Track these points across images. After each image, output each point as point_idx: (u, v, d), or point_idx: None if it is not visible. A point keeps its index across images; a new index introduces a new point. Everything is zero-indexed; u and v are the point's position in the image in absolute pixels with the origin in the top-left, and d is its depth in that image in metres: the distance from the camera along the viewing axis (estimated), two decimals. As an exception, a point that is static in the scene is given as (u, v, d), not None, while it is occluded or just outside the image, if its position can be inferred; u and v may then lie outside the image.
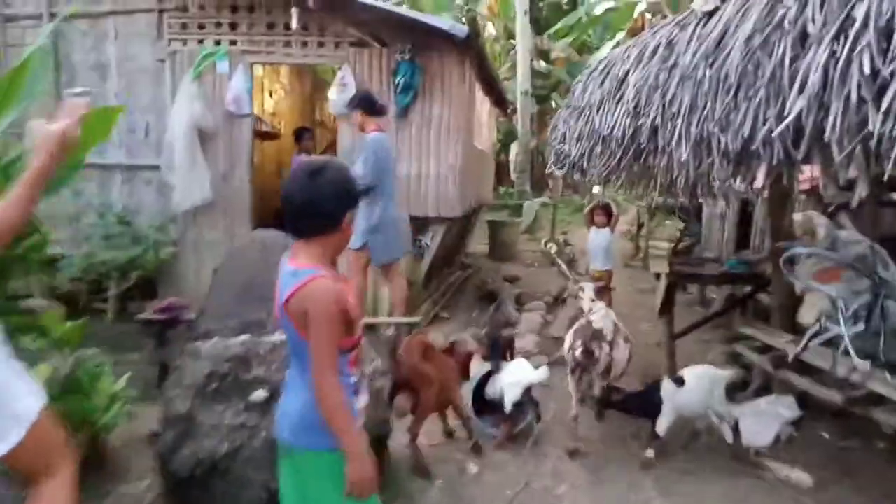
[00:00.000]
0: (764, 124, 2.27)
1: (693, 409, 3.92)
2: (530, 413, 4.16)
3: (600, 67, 4.22)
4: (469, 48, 6.05)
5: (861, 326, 2.90)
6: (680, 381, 3.87)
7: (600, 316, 4.78)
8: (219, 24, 6.30)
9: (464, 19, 5.70)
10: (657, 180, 3.30)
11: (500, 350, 4.83)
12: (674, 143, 2.86)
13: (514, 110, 14.39)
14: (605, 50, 9.77)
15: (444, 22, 5.90)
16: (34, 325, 3.23)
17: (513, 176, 14.99)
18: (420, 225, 6.61)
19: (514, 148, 14.85)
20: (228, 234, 6.39)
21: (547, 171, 4.89)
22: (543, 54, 17.05)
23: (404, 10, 6.98)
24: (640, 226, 11.36)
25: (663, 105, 3.02)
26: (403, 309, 5.43)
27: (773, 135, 2.14)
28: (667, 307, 5.09)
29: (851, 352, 2.95)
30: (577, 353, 4.10)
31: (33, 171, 1.91)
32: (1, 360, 1.96)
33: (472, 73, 6.72)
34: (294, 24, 5.60)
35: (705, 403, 3.91)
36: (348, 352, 2.02)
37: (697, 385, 3.85)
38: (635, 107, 3.29)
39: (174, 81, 6.34)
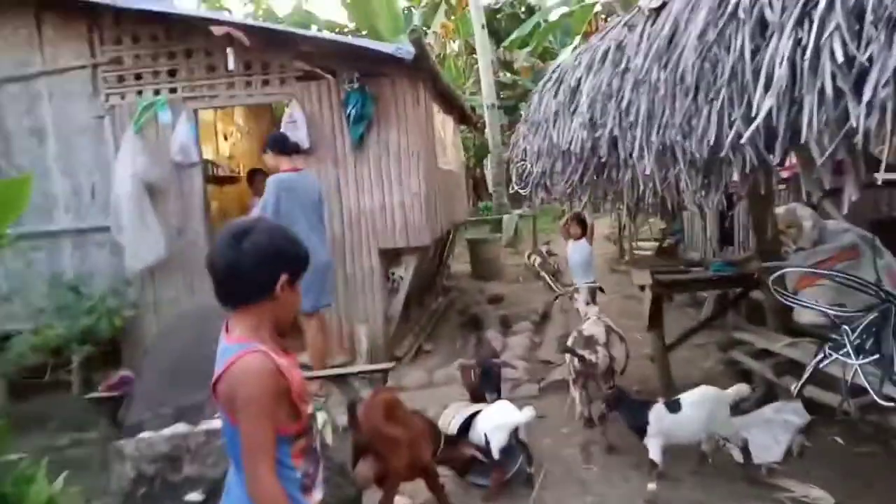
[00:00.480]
0: (730, 127, 1.98)
1: (688, 436, 3.61)
2: (520, 456, 3.82)
3: (554, 77, 3.96)
4: (419, 70, 5.79)
5: (873, 356, 2.57)
6: (675, 407, 3.55)
7: (590, 323, 4.59)
8: (156, 73, 5.99)
9: (408, 40, 5.40)
10: (624, 195, 3.03)
11: (493, 380, 4.50)
12: (635, 154, 2.57)
13: (484, 124, 14.20)
14: (563, 56, 9.56)
15: (388, 46, 5.63)
16: (-50, 432, 2.89)
17: (491, 190, 14.77)
18: (391, 257, 6.31)
19: (489, 162, 14.65)
20: (189, 291, 6.04)
21: (510, 190, 4.61)
22: (507, 65, 16.93)
23: (347, 37, 6.72)
24: (622, 227, 11.11)
25: (619, 114, 2.74)
26: (318, 366, 5.05)
27: (743, 140, 1.85)
28: (655, 320, 4.80)
29: (865, 383, 2.62)
30: (575, 362, 4.21)
31: None
32: None
33: (428, 94, 6.45)
34: (231, 65, 5.31)
35: (704, 429, 3.59)
36: (294, 440, 1.71)
37: (694, 412, 3.53)
38: (591, 118, 3.01)
39: (116, 138, 6.01)
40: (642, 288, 4.92)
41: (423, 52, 5.41)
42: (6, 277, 6.24)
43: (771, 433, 4.09)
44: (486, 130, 14.36)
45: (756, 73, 1.85)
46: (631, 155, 2.61)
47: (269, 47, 5.74)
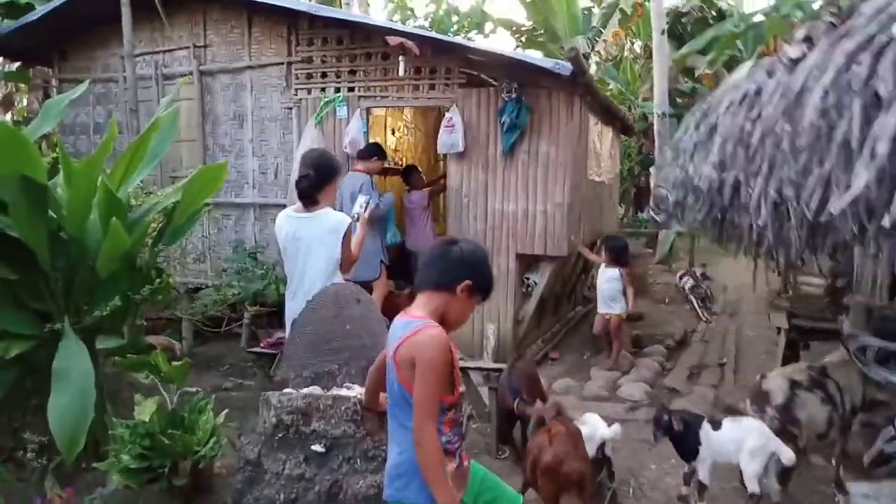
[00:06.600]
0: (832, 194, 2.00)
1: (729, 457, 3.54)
2: (602, 471, 3.93)
3: (702, 110, 3.95)
4: (576, 84, 5.92)
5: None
6: (717, 425, 3.55)
7: None
8: (338, 74, 6.71)
9: (565, 55, 5.53)
10: (742, 241, 3.02)
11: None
12: (752, 203, 2.60)
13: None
14: (745, 67, 9.00)
15: (547, 61, 5.83)
16: (146, 362, 3.64)
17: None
18: (528, 262, 6.54)
19: (654, 172, 14.18)
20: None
21: (644, 215, 4.63)
22: (688, 72, 16.18)
23: (508, 49, 7.00)
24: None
25: (745, 161, 2.76)
26: None
27: (833, 210, 1.88)
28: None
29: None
30: None
31: (361, 233, 3.86)
32: None
33: (584, 107, 6.56)
34: (401, 71, 5.81)
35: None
36: (447, 410, 2.04)
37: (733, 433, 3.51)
38: (721, 159, 3.03)
39: (299, 127, 6.84)
40: (779, 331, 4.71)
41: (579, 69, 5.54)
42: (202, 239, 7.39)
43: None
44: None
45: (861, 145, 1.86)
46: (749, 203, 2.63)
47: (438, 55, 6.20)
